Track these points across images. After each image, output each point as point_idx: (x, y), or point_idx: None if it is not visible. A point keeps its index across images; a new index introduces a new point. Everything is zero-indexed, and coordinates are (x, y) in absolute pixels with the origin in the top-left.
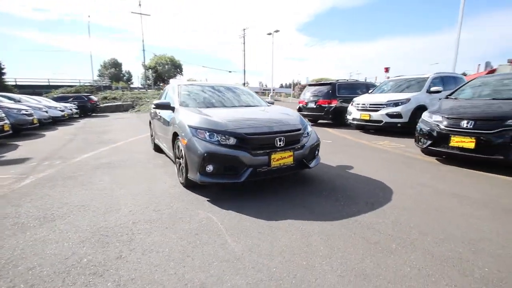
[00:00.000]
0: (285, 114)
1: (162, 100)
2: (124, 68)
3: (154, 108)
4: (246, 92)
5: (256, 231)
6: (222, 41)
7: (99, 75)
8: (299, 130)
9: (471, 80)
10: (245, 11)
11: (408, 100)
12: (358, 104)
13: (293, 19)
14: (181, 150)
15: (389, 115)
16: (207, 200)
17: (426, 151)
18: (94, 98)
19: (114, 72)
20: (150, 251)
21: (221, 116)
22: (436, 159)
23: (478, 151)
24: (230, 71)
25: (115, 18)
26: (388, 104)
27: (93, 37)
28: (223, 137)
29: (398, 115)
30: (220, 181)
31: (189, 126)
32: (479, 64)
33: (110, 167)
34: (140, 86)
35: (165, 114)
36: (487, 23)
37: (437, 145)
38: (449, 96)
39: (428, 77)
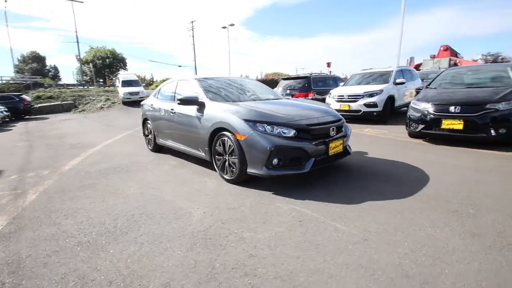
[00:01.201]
0: (317, 105)
1: (188, 95)
2: (49, 63)
3: (151, 106)
4: (259, 84)
5: (355, 214)
6: (163, 34)
7: (17, 71)
8: (342, 119)
9: (441, 72)
10: (188, 4)
11: (381, 91)
12: (336, 96)
13: (237, 14)
14: (229, 146)
15: (366, 105)
16: (272, 193)
17: (413, 135)
18: (27, 98)
19: (37, 68)
20: (275, 245)
21: (266, 108)
22: (423, 140)
23: (465, 131)
24: (180, 66)
25: (35, 5)
26: (364, 95)
27: (12, 28)
28: (284, 129)
29: (374, 105)
30: (287, 172)
31: (245, 120)
32: (407, 59)
33: (119, 171)
34: (76, 82)
35: (187, 110)
36: (413, 23)
37: (429, 128)
38: (428, 86)
39: (392, 71)
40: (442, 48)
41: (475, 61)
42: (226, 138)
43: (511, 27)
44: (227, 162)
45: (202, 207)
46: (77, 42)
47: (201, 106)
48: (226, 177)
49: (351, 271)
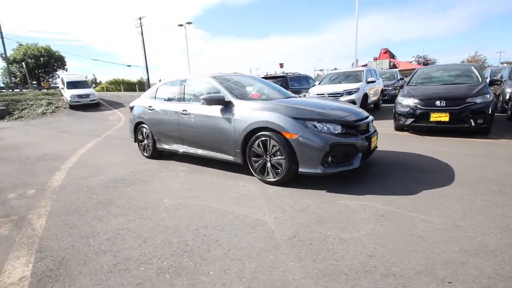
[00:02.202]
0: (336, 102)
1: (213, 94)
2: None
3: (149, 108)
4: (270, 83)
5: (425, 204)
6: (105, 31)
7: None
8: (370, 115)
9: (416, 72)
10: (132, 1)
11: (358, 89)
12: (315, 94)
13: (185, 12)
14: (272, 146)
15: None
16: (326, 192)
17: (400, 128)
18: None
19: None
20: (383, 243)
21: (309, 105)
22: (409, 133)
23: (451, 123)
24: (129, 65)
25: None
26: (344, 93)
27: None
28: (333, 126)
29: (353, 102)
30: (341, 169)
31: (294, 118)
32: (352, 61)
33: (129, 183)
34: (3, 85)
35: (207, 111)
36: (357, 25)
37: (418, 121)
38: (408, 84)
39: (362, 70)
40: (382, 51)
41: (410, 62)
42: (267, 139)
43: (432, 33)
44: (268, 164)
45: (267, 212)
46: (1, 38)
47: (227, 106)
48: (268, 179)
49: (477, 256)
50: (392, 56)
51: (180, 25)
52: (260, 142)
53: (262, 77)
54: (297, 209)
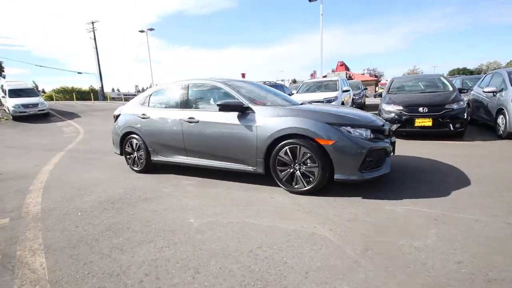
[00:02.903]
0: (352, 108)
1: (230, 100)
2: None
3: (142, 116)
4: (274, 89)
5: (468, 204)
6: (49, 36)
7: None
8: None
9: (392, 81)
10: (82, 6)
11: (336, 97)
12: None
13: (140, 20)
14: (303, 154)
15: None
16: (362, 198)
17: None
18: None
19: None
20: (461, 247)
21: (337, 111)
22: None
23: (434, 127)
24: (80, 73)
25: None
26: (324, 101)
27: None
28: (364, 131)
29: None
30: (376, 174)
31: (329, 124)
32: (311, 73)
33: (132, 203)
34: None
35: (221, 118)
36: (313, 40)
37: (403, 127)
38: (389, 92)
39: (337, 80)
40: (339, 64)
41: (363, 74)
42: (297, 146)
43: (378, 48)
44: (298, 172)
45: (317, 224)
46: None
47: (244, 112)
48: (298, 189)
49: None
50: (347, 68)
51: (142, 31)
52: (288, 150)
53: None
54: (347, 219)
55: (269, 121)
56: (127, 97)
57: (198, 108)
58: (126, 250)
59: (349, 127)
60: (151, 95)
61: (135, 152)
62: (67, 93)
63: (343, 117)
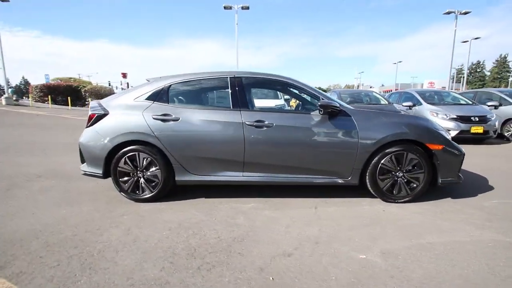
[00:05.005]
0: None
1: (330, 101)
2: None
3: (164, 117)
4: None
5: None
6: None
7: None
8: None
9: (341, 93)
10: None
11: (284, 105)
12: None
13: None
14: (410, 160)
15: None
16: (451, 198)
17: None
18: None
19: None
20: None
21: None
22: None
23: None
24: None
25: None
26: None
27: None
28: (448, 135)
29: None
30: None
31: (435, 128)
32: None
33: (222, 248)
34: None
35: (308, 122)
36: (196, 46)
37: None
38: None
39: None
40: None
41: None
42: (404, 152)
43: (257, 63)
44: (401, 180)
45: (498, 233)
46: None
47: (336, 116)
48: (400, 196)
49: None
50: None
51: None
52: (393, 157)
53: None
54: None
55: (372, 126)
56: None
57: (260, 108)
58: None
59: (443, 131)
60: (169, 87)
61: (140, 173)
62: None
63: (435, 123)
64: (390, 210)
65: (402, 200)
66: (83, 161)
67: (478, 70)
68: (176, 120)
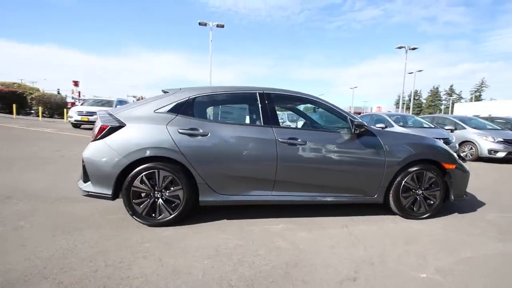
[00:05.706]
0: None
1: (360, 119)
2: None
3: (194, 132)
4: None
5: None
6: None
7: None
8: None
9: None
10: None
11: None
12: None
13: None
14: (429, 178)
15: None
16: (460, 214)
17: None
18: None
19: None
20: None
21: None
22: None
23: None
24: None
25: None
26: None
27: None
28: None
29: None
30: None
31: (444, 149)
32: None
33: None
34: None
35: (339, 140)
36: (156, 59)
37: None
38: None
39: None
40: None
41: None
42: (423, 171)
43: (218, 78)
44: (420, 197)
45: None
46: None
47: (363, 135)
48: (420, 213)
49: None
50: None
51: None
52: (414, 175)
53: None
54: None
55: (396, 146)
56: None
57: (291, 126)
58: None
59: (454, 153)
60: (194, 100)
61: (159, 192)
62: None
63: (445, 145)
64: (415, 227)
65: (423, 217)
66: (86, 180)
67: (416, 98)
68: (204, 135)
